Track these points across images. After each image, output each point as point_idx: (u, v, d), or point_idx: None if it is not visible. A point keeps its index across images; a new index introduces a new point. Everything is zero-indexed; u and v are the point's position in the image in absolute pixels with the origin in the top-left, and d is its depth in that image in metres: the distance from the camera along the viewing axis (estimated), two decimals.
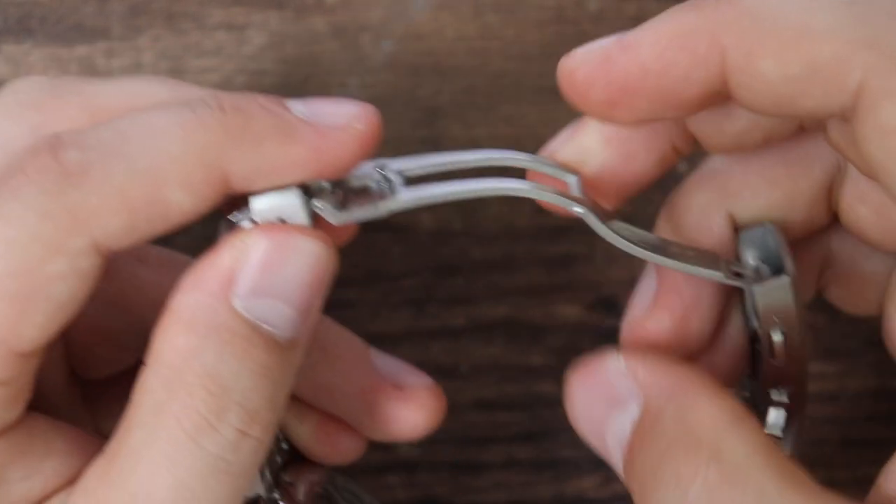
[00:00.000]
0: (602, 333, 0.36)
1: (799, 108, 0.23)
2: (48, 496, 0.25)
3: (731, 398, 0.24)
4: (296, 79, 0.36)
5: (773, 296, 0.26)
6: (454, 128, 0.35)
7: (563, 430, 0.36)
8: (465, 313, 0.36)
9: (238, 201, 0.25)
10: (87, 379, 0.30)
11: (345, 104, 0.25)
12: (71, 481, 0.25)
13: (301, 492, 0.29)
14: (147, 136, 0.24)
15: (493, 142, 0.36)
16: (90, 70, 0.36)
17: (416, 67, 0.36)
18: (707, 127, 0.27)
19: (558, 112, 0.36)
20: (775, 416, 0.27)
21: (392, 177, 0.26)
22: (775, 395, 0.27)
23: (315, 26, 0.36)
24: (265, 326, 0.24)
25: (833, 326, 0.33)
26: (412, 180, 0.26)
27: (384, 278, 0.36)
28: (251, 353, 0.24)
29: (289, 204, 0.25)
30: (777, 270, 0.26)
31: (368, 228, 0.35)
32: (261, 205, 0.25)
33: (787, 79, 0.23)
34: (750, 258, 0.27)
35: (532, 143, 0.36)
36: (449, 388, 0.36)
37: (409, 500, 0.36)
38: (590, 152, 0.27)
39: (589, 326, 0.36)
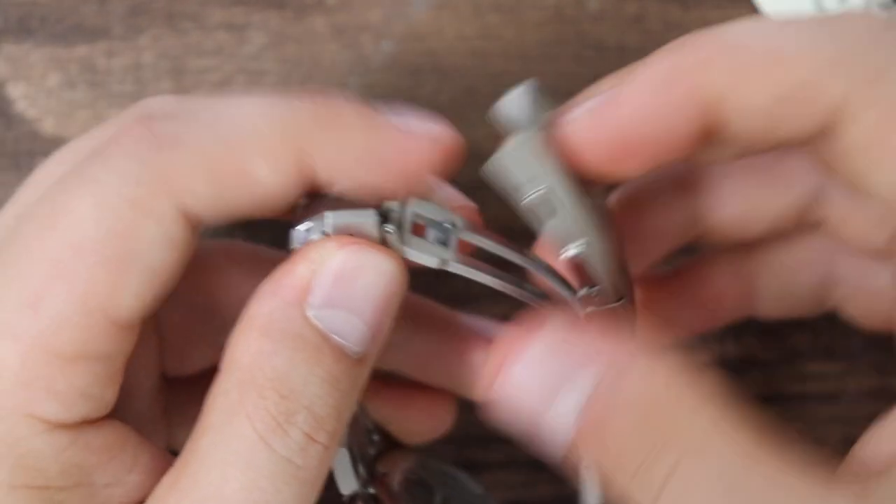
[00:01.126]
0: None
1: (786, 131, 0.24)
2: None
3: (677, 358, 0.24)
4: (296, 79, 0.36)
5: (520, 157, 0.25)
6: (454, 128, 0.35)
7: None
8: (464, 313, 0.36)
9: (308, 212, 0.25)
10: (174, 378, 0.30)
11: (431, 119, 0.26)
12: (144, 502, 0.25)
13: (396, 481, 0.30)
14: (237, 112, 0.24)
15: (493, 142, 0.36)
16: (90, 70, 0.36)
17: (416, 67, 0.36)
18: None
19: None
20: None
21: (453, 233, 0.26)
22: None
23: (315, 26, 0.36)
24: (335, 337, 0.24)
25: (833, 326, 0.33)
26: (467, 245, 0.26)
27: None
28: (320, 360, 0.24)
29: (362, 222, 0.25)
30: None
31: None
32: (335, 219, 0.25)
33: (769, 105, 0.23)
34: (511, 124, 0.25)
35: None
36: None
37: None
38: None
39: None
